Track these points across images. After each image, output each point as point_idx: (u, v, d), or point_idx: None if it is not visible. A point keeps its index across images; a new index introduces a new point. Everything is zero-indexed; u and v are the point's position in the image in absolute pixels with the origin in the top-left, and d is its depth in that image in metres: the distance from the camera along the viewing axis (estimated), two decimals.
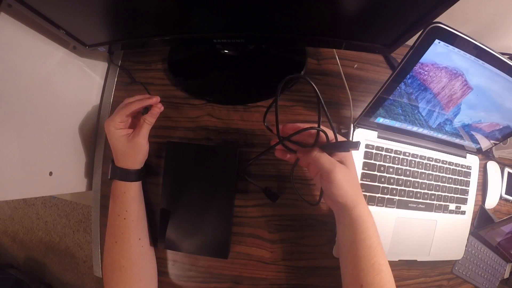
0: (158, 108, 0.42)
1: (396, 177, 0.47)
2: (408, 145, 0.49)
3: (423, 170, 0.49)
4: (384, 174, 0.47)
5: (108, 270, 0.41)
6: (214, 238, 0.44)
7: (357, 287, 0.33)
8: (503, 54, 0.35)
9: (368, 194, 0.46)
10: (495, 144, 0.51)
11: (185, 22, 0.42)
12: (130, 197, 0.41)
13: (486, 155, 0.59)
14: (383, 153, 0.47)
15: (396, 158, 0.48)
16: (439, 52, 0.34)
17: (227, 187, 0.44)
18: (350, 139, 0.46)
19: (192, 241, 0.44)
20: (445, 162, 0.51)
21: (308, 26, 0.41)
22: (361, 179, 0.46)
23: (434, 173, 0.50)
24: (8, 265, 1.41)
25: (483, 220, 0.56)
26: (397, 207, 0.47)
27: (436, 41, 0.32)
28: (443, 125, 0.46)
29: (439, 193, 0.50)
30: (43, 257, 1.46)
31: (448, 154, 0.51)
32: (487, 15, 0.47)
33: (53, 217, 1.44)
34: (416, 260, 0.48)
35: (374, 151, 0.46)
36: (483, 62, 0.35)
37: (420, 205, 0.48)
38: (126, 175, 0.41)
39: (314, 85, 0.30)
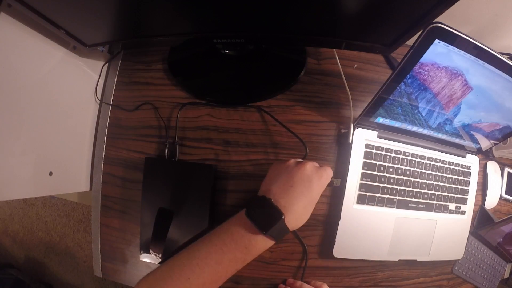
0: None
1: (396, 177, 0.47)
2: (408, 145, 0.49)
3: (423, 170, 0.49)
4: (384, 174, 0.47)
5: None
6: None
7: None
8: (503, 54, 0.35)
9: (368, 194, 0.46)
10: (495, 144, 0.51)
11: (185, 22, 0.42)
12: (254, 258, 0.36)
13: (486, 155, 0.59)
14: (383, 153, 0.47)
15: (396, 158, 0.48)
16: (439, 52, 0.33)
17: (202, 204, 0.44)
18: (350, 138, 0.46)
19: (170, 254, 0.44)
20: (445, 162, 0.51)
21: (308, 26, 0.41)
22: (361, 179, 0.46)
23: (434, 173, 0.49)
24: (8, 265, 1.41)
25: (483, 220, 0.56)
26: (397, 207, 0.47)
27: (436, 41, 0.32)
28: (443, 125, 0.46)
29: (439, 193, 0.50)
30: (43, 257, 1.46)
31: (448, 154, 0.51)
32: (487, 15, 0.47)
33: (53, 217, 1.44)
34: (416, 260, 0.48)
35: (374, 151, 0.46)
36: (483, 62, 0.35)
37: (420, 205, 0.48)
38: (283, 235, 0.35)
39: None
